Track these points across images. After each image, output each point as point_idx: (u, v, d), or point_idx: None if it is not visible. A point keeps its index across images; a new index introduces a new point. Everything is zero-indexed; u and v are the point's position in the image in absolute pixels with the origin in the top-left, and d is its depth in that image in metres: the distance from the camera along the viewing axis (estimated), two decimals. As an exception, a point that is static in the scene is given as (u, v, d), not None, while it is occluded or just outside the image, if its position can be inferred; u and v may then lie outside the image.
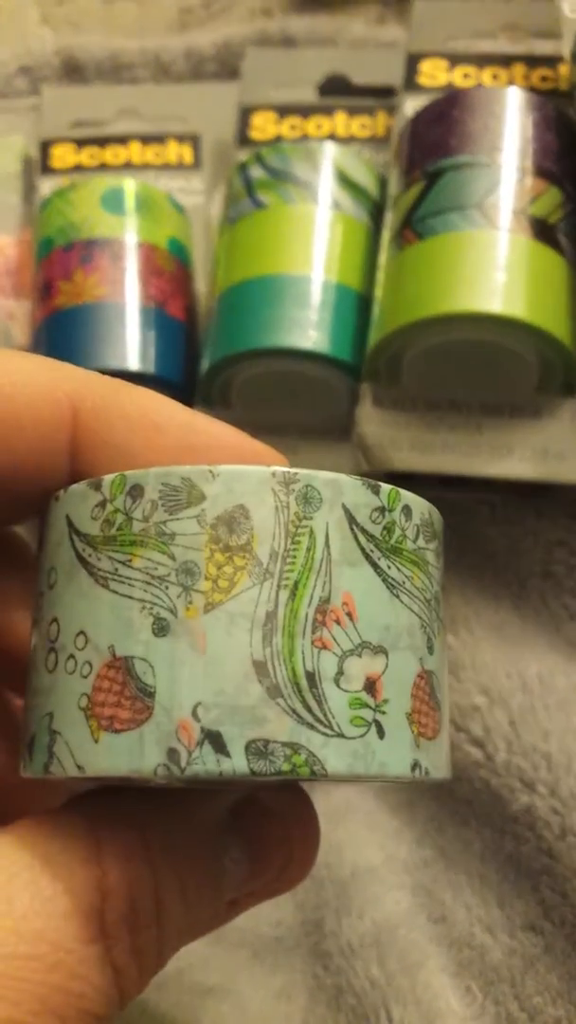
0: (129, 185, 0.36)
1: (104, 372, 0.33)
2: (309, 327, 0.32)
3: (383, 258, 0.33)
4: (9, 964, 0.14)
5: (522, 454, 0.31)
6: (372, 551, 0.16)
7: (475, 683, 0.30)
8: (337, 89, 0.39)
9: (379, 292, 0.32)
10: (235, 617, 0.15)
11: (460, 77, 0.36)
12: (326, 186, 0.34)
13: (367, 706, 0.15)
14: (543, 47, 0.37)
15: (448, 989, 0.27)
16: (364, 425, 0.32)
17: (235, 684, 0.15)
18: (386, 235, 0.33)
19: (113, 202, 0.36)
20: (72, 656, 0.15)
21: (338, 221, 0.34)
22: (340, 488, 0.16)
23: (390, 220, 0.33)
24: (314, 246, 0.33)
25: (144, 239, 0.35)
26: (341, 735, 0.15)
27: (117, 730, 0.15)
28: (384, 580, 0.16)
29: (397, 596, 0.16)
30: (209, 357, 0.34)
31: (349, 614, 0.15)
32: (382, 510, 0.16)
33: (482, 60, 0.37)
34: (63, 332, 0.34)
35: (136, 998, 0.16)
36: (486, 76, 0.36)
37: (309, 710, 0.15)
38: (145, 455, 0.17)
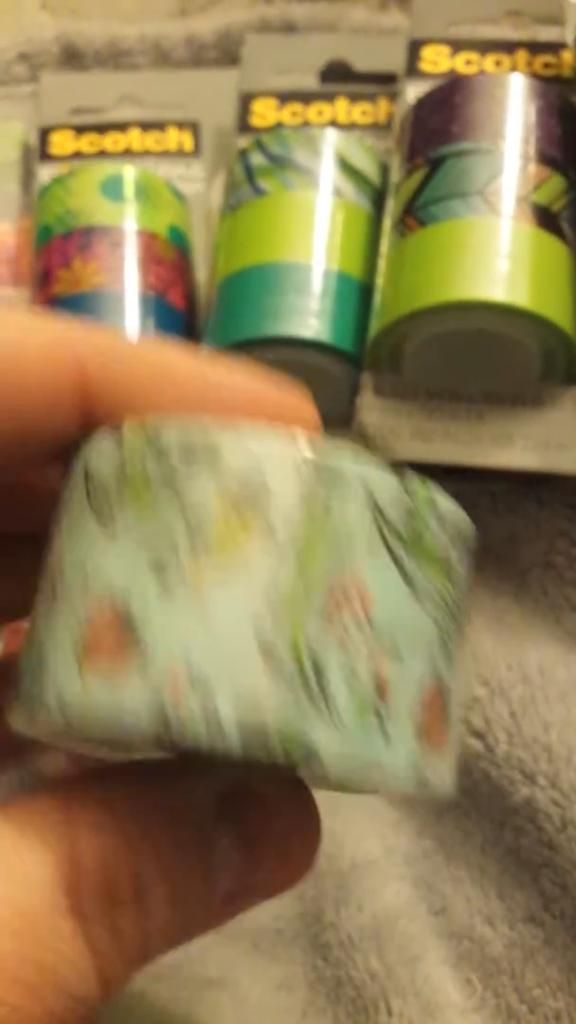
0: (128, 172, 0.36)
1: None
2: (310, 315, 0.32)
3: (385, 245, 0.32)
4: None
5: (524, 444, 0.31)
6: (397, 548, 0.15)
7: (475, 674, 0.30)
8: (338, 75, 0.39)
9: (380, 280, 0.32)
10: (240, 583, 0.14)
11: (462, 63, 0.36)
12: (327, 173, 0.34)
13: (374, 708, 0.14)
14: (546, 33, 0.36)
15: (448, 981, 0.27)
16: (365, 414, 0.32)
17: (234, 652, 0.14)
18: (388, 222, 0.33)
19: (112, 189, 0.35)
20: (70, 597, 0.15)
21: (339, 208, 0.33)
22: (368, 478, 0.15)
23: (392, 207, 0.33)
24: (315, 233, 0.33)
25: (144, 227, 0.35)
26: (344, 731, 0.14)
27: (106, 676, 0.14)
28: (407, 581, 0.15)
29: (419, 600, 0.15)
30: (209, 345, 0.33)
31: (364, 608, 0.14)
32: (412, 512, 0.15)
33: (485, 46, 0.36)
34: (62, 320, 0.34)
35: (128, 990, 0.16)
36: (488, 62, 0.36)
37: (311, 698, 0.14)
38: (160, 408, 0.17)
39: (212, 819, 0.16)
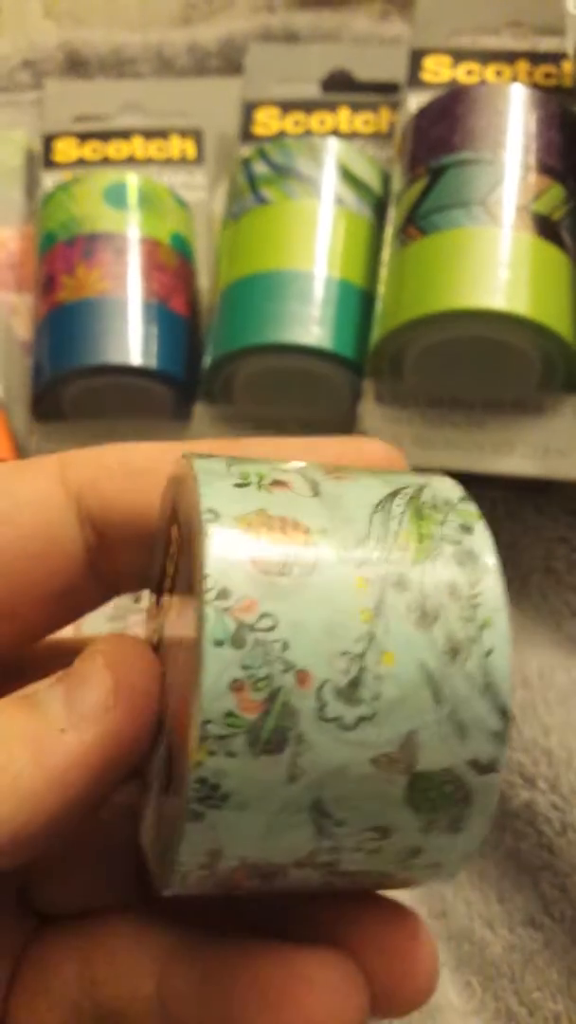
0: (132, 180, 0.36)
1: (107, 367, 0.33)
2: (312, 323, 0.32)
3: (386, 254, 0.33)
4: None
5: (524, 451, 0.31)
6: None
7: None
8: (340, 85, 0.39)
9: (382, 288, 0.32)
10: None
11: (464, 73, 0.36)
12: (329, 182, 0.34)
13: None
14: (547, 44, 0.37)
15: (448, 984, 0.27)
16: (366, 421, 0.32)
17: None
18: (389, 231, 0.33)
19: (116, 197, 0.35)
20: None
21: (341, 217, 0.34)
22: None
23: (393, 216, 0.33)
24: (317, 242, 0.33)
25: (147, 234, 0.35)
26: None
27: None
28: None
29: None
30: (212, 352, 0.34)
31: None
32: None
33: (486, 56, 0.37)
34: (65, 326, 0.34)
35: None
36: (490, 72, 0.36)
37: None
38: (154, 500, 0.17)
39: None
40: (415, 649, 0.14)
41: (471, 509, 0.15)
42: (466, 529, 0.15)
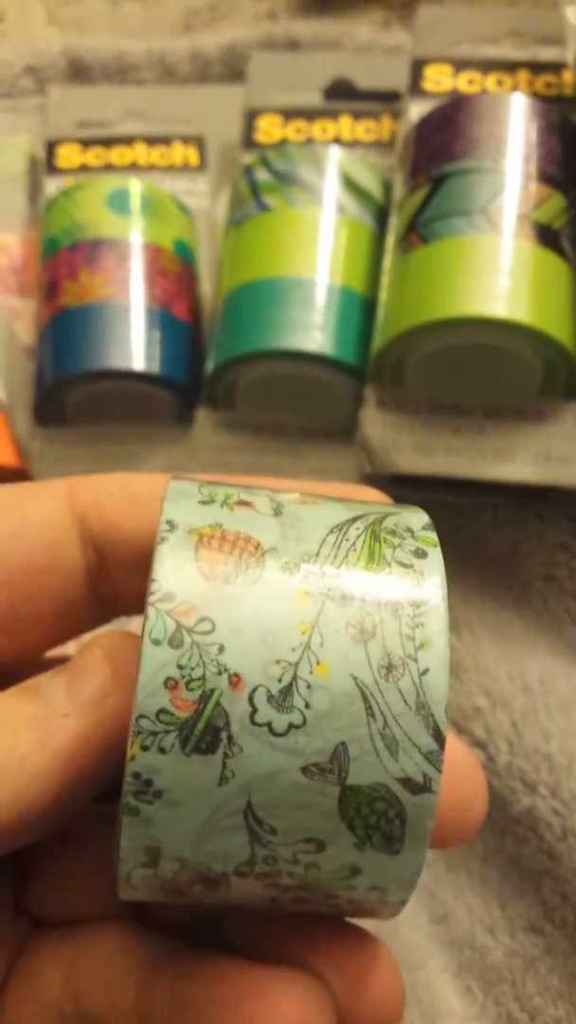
0: (135, 186, 0.36)
1: (109, 372, 0.33)
2: (313, 329, 0.32)
3: (387, 262, 0.33)
4: None
5: (525, 458, 0.31)
6: None
7: (477, 685, 0.31)
8: (342, 93, 0.39)
9: (383, 295, 0.32)
10: None
11: (465, 83, 0.37)
12: (331, 190, 0.34)
13: None
14: (547, 53, 0.37)
15: (449, 989, 0.27)
16: (368, 428, 0.32)
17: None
18: (390, 239, 0.33)
19: (119, 203, 0.36)
20: None
21: (343, 224, 0.34)
22: None
23: (395, 224, 0.33)
24: (319, 249, 0.33)
25: (149, 240, 0.35)
26: None
27: None
28: None
29: None
30: (214, 359, 0.34)
31: None
32: None
33: (486, 66, 0.37)
34: (68, 332, 0.34)
35: None
36: (490, 82, 0.37)
37: None
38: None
39: None
40: (350, 662, 0.14)
41: (430, 536, 0.16)
42: (420, 554, 0.15)
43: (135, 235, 0.35)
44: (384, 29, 0.43)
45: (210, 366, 0.34)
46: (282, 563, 0.15)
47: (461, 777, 0.16)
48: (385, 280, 0.33)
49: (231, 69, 0.43)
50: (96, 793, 0.16)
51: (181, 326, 0.35)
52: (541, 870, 0.28)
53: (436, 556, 0.15)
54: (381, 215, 0.35)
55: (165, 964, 0.16)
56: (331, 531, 0.15)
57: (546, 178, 0.31)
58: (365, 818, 0.14)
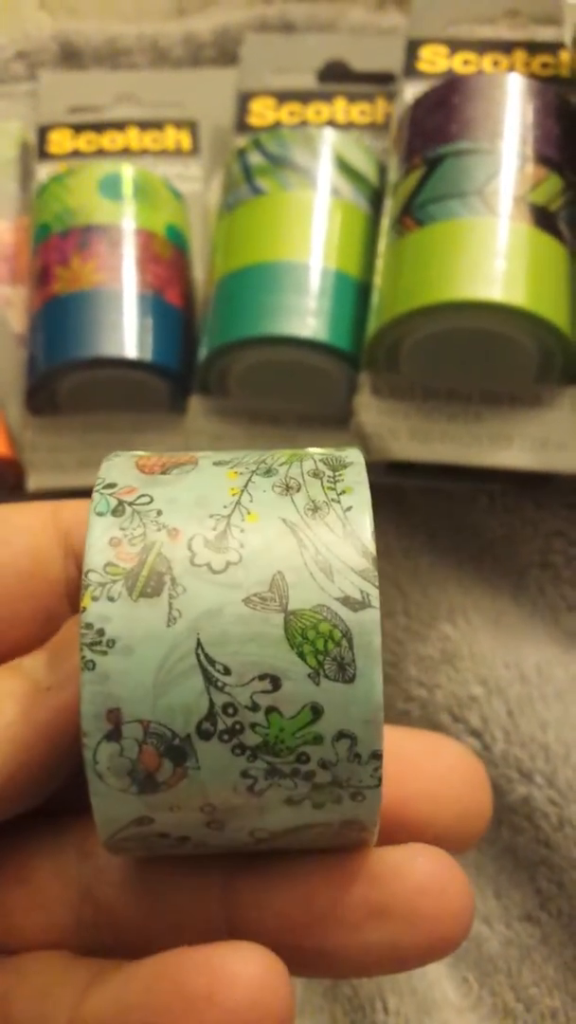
0: (127, 171, 0.36)
1: (101, 360, 0.33)
2: (308, 315, 0.32)
3: (382, 245, 0.33)
4: None
5: (521, 444, 0.31)
6: None
7: (473, 673, 0.30)
8: (336, 75, 0.39)
9: (378, 279, 0.32)
10: None
11: (460, 63, 0.36)
12: (325, 172, 0.34)
13: None
14: (544, 33, 0.36)
15: (444, 979, 0.27)
16: (362, 414, 0.32)
17: None
18: (385, 222, 0.33)
19: (111, 188, 0.35)
20: None
21: (337, 208, 0.33)
22: None
23: (389, 207, 0.33)
24: (313, 233, 0.33)
25: (142, 225, 0.35)
26: None
27: None
28: None
29: None
30: (207, 345, 0.33)
31: None
32: None
33: (482, 46, 0.36)
34: (60, 319, 0.34)
35: None
36: (486, 62, 0.36)
37: None
38: None
39: None
40: (277, 509, 0.16)
41: (355, 458, 0.17)
42: (340, 457, 0.17)
43: (127, 221, 0.35)
44: (379, 10, 0.43)
45: (203, 353, 0.34)
46: (213, 461, 0.17)
47: (474, 785, 0.17)
48: (380, 264, 0.32)
49: (224, 52, 0.42)
50: (75, 765, 0.16)
51: (174, 312, 0.35)
52: (537, 859, 0.28)
53: (356, 455, 0.17)
54: (376, 198, 0.34)
55: (110, 974, 0.16)
56: (265, 452, 0.17)
57: (543, 159, 0.31)
58: (313, 642, 0.15)
